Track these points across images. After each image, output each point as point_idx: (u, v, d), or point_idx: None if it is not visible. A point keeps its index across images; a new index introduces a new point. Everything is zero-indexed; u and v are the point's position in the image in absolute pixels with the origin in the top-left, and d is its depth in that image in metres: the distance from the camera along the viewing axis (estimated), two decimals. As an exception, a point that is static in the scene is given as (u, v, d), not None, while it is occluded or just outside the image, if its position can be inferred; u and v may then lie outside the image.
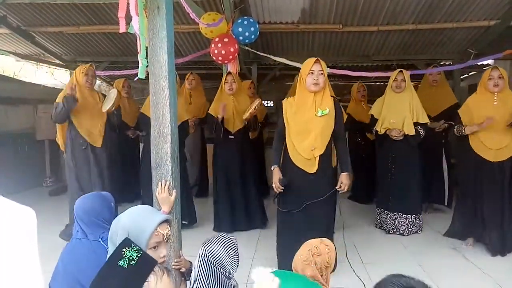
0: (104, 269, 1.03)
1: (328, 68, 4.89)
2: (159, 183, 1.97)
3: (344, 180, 2.85)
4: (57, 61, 6.36)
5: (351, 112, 5.10)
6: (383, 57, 5.88)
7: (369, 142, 5.07)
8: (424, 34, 5.13)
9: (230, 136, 4.01)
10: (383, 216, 4.07)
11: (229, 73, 4.02)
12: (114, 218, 1.96)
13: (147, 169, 4.15)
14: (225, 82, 3.98)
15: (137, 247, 1.06)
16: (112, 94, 3.81)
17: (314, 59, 2.78)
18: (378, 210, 4.15)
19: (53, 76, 8.03)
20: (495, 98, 3.39)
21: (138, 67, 1.99)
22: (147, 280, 0.99)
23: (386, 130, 3.91)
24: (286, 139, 2.89)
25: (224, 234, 1.76)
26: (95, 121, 3.81)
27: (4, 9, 4.71)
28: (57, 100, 3.66)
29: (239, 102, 4.04)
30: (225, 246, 1.67)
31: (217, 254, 1.64)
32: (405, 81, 3.85)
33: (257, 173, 4.36)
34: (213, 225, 4.09)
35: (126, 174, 5.03)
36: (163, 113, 1.95)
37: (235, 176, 4.05)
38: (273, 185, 2.89)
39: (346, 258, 3.30)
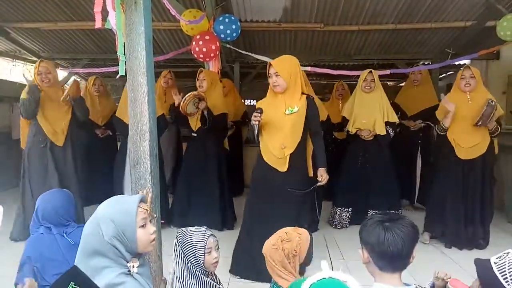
0: None
1: (309, 67, 4.99)
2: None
3: (323, 174, 2.86)
4: (34, 58, 6.19)
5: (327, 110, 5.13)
6: (364, 56, 5.96)
7: (337, 142, 5.10)
8: (404, 34, 5.22)
9: (193, 134, 3.99)
10: (343, 213, 4.13)
11: (201, 70, 3.99)
12: (75, 216, 2.01)
13: (119, 169, 4.13)
14: (197, 79, 3.97)
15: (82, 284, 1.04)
16: (72, 83, 3.77)
17: (270, 62, 2.81)
18: (338, 209, 4.16)
19: (30, 74, 7.83)
20: (469, 97, 3.48)
21: (118, 65, 1.96)
22: None
23: (357, 130, 3.97)
24: (260, 137, 2.90)
25: (204, 228, 1.73)
26: (59, 119, 3.67)
27: (-23, 4, 4.56)
28: (22, 97, 3.54)
29: (211, 99, 3.94)
30: (194, 237, 1.65)
31: (184, 243, 1.63)
32: (374, 81, 3.92)
33: (223, 172, 4.17)
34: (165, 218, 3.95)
35: (97, 173, 4.80)
36: (141, 110, 1.92)
37: (195, 173, 3.99)
38: (252, 121, 2.79)
39: (329, 255, 3.33)
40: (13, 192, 5.71)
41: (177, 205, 4.07)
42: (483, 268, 1.27)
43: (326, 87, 7.27)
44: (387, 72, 4.81)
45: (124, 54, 1.91)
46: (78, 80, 6.93)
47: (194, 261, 1.64)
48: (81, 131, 4.18)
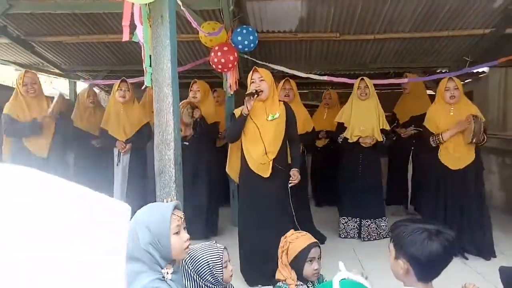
0: None
1: (326, 76, 5.02)
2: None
3: (296, 173, 2.94)
4: (56, 70, 6.39)
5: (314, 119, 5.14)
6: (379, 65, 5.95)
7: (317, 149, 5.26)
8: (420, 42, 5.21)
9: (184, 143, 4.04)
10: (351, 223, 4.09)
11: (195, 81, 4.12)
12: None
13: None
14: (190, 90, 4.06)
15: None
16: (59, 96, 3.80)
17: (255, 67, 2.95)
18: (345, 218, 4.12)
19: (52, 85, 8.06)
20: (452, 108, 3.53)
21: (138, 76, 2.03)
22: None
23: (359, 138, 3.96)
24: (242, 145, 2.98)
25: (213, 242, 1.74)
26: (43, 130, 3.70)
27: (4, 19, 4.74)
28: (5, 111, 3.58)
29: (203, 110, 4.09)
30: (206, 258, 1.64)
31: (198, 269, 1.62)
32: (368, 87, 3.95)
33: (212, 182, 4.18)
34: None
35: (95, 183, 4.87)
36: (166, 120, 1.98)
37: (186, 181, 3.99)
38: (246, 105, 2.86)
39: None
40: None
41: None
42: (507, 276, 1.26)
43: (343, 96, 7.26)
44: (385, 81, 4.95)
45: (151, 66, 1.98)
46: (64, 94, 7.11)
47: (212, 279, 1.62)
48: (78, 142, 4.26)
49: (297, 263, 1.91)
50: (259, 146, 2.86)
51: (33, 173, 0.48)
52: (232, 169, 3.24)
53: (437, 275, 1.30)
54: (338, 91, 6.09)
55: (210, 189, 4.09)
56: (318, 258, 1.94)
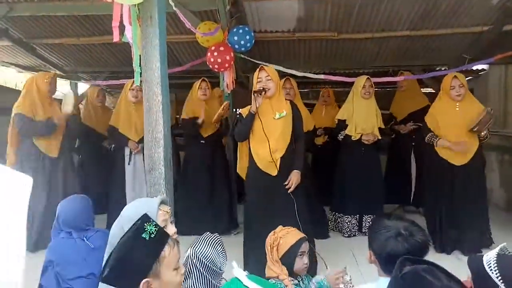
0: (129, 241, 1.16)
1: (323, 75, 5.03)
2: None
3: (293, 177, 2.90)
4: (57, 72, 6.45)
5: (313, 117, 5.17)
6: (378, 64, 5.94)
7: (316, 148, 5.25)
8: (419, 40, 5.19)
9: (201, 141, 4.07)
10: (345, 219, 4.12)
11: (204, 80, 4.18)
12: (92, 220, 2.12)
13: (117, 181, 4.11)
14: (199, 88, 4.12)
15: (155, 222, 1.20)
16: (69, 95, 3.84)
17: (262, 66, 2.96)
18: (337, 214, 4.20)
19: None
20: (457, 104, 3.56)
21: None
22: (163, 249, 1.17)
23: (362, 135, 4.00)
24: (250, 143, 2.99)
25: (208, 233, 1.83)
26: (56, 130, 3.75)
27: (5, 22, 4.81)
28: (20, 111, 3.61)
29: (210, 108, 4.17)
30: (212, 244, 1.74)
31: (206, 253, 1.69)
32: (372, 87, 4.00)
33: (229, 179, 4.29)
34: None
35: (105, 183, 4.77)
36: (156, 119, 2.01)
37: (204, 180, 4.07)
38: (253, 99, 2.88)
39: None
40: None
41: (184, 213, 4.06)
42: (474, 263, 1.27)
43: (343, 94, 7.27)
44: (386, 79, 4.94)
45: (140, 66, 2.01)
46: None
47: (220, 259, 1.77)
48: (88, 143, 4.31)
49: (288, 258, 1.93)
50: (266, 144, 2.86)
51: None
52: (242, 169, 3.22)
53: None
54: (336, 90, 6.11)
55: (230, 184, 4.20)
56: (307, 253, 1.97)
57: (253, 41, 4.22)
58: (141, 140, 3.97)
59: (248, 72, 6.24)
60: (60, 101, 4.02)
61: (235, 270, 1.31)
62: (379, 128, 4.05)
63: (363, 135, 4.00)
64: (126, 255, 1.13)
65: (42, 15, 4.62)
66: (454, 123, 3.51)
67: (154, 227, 1.16)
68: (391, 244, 1.27)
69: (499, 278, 1.16)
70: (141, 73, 2.02)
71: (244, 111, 3.04)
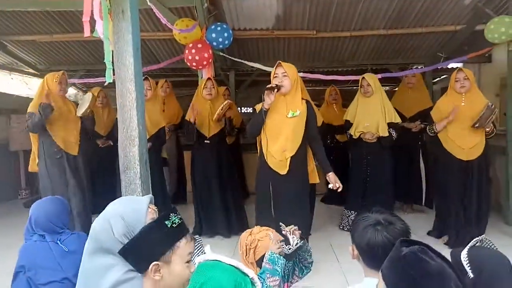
0: (152, 224, 1.22)
1: (302, 73, 5.03)
2: None
3: (333, 179, 2.88)
4: (31, 70, 6.26)
5: (322, 115, 5.17)
6: (357, 62, 6.02)
7: (339, 145, 5.20)
8: (396, 39, 5.28)
9: (206, 141, 4.01)
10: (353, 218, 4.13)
11: (209, 78, 4.07)
12: (69, 223, 2.04)
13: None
14: (204, 87, 4.01)
15: (180, 216, 1.26)
16: (87, 97, 3.77)
17: (279, 62, 2.88)
18: (348, 212, 4.19)
19: (28, 86, 7.89)
20: (463, 99, 3.53)
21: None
22: (180, 240, 1.22)
23: (360, 134, 3.99)
24: (261, 140, 2.94)
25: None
26: (70, 129, 3.75)
27: (-27, 17, 4.63)
28: (29, 110, 3.58)
29: (216, 107, 4.04)
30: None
31: None
32: (370, 85, 3.95)
33: (236, 178, 4.33)
34: (192, 230, 4.06)
35: (103, 183, 4.93)
36: (130, 116, 1.95)
37: (213, 180, 4.03)
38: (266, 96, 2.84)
39: (337, 259, 3.33)
40: (8, 205, 5.73)
41: (202, 216, 4.07)
42: (455, 254, 1.30)
43: (320, 93, 7.31)
44: (379, 76, 4.84)
45: (113, 62, 1.95)
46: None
47: None
48: (85, 141, 4.21)
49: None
50: (277, 142, 2.82)
51: None
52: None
53: None
54: (317, 88, 6.13)
55: (236, 184, 4.20)
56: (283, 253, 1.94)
57: (232, 38, 4.17)
58: (148, 140, 4.03)
59: (227, 70, 6.22)
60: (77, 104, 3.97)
61: (208, 253, 1.36)
62: (392, 123, 3.95)
63: (362, 134, 3.98)
64: (145, 235, 1.19)
65: (13, 10, 4.46)
66: (459, 118, 3.48)
67: (178, 220, 1.23)
68: (370, 232, 1.27)
69: (468, 266, 1.22)
70: (114, 70, 1.96)
71: (258, 107, 2.98)
